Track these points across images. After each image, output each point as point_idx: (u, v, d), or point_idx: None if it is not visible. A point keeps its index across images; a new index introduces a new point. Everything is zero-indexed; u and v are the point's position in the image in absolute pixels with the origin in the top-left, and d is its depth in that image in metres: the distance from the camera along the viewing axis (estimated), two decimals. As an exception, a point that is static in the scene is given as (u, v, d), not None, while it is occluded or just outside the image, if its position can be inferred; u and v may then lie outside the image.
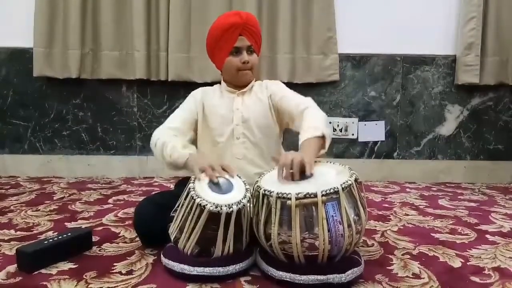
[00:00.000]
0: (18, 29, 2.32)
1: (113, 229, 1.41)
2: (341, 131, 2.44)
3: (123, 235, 1.34)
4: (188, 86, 2.02)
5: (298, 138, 1.17)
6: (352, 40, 2.39)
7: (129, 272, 1.03)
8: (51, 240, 1.09)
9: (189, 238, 1.00)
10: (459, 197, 2.04)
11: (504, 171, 2.48)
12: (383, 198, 1.98)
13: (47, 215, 1.57)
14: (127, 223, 1.47)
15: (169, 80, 2.31)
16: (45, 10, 2.24)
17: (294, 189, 0.93)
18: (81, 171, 2.41)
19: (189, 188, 1.01)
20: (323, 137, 1.14)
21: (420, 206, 1.81)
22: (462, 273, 1.06)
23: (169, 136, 1.25)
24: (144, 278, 1.00)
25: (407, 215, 1.66)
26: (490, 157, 2.48)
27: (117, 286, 0.95)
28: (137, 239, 1.26)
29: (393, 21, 2.39)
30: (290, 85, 1.57)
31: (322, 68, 2.37)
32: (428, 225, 1.51)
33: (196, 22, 2.28)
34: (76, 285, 0.96)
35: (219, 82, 1.41)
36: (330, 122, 2.38)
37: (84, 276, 1.00)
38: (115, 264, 1.08)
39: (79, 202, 1.80)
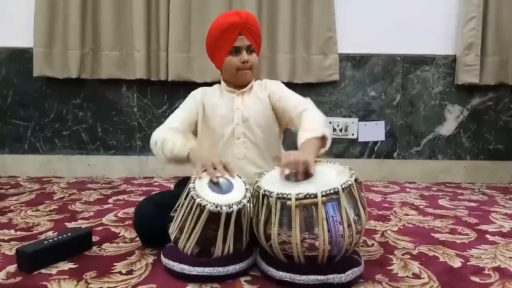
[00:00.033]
0: (18, 29, 2.32)
1: (113, 229, 1.41)
2: (341, 131, 2.44)
3: (123, 235, 1.34)
4: (188, 86, 2.02)
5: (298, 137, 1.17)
6: (352, 40, 2.39)
7: (129, 272, 1.03)
8: (51, 240, 1.10)
9: (189, 238, 1.00)
10: (459, 197, 2.04)
11: (504, 171, 2.48)
12: (383, 198, 1.98)
13: (47, 215, 1.57)
14: (127, 223, 1.47)
15: (169, 80, 2.31)
16: (45, 10, 2.24)
17: (294, 189, 0.93)
18: (81, 171, 2.42)
19: (189, 188, 1.01)
20: (323, 138, 1.14)
21: (420, 206, 1.81)
22: (462, 273, 1.06)
23: (169, 134, 1.25)
24: (144, 278, 1.00)
25: (407, 215, 1.66)
26: (490, 157, 2.48)
27: (117, 286, 0.95)
28: (137, 239, 1.26)
29: (393, 21, 2.39)
30: (290, 85, 1.58)
31: (322, 68, 2.37)
32: (428, 225, 1.51)
33: (196, 22, 2.28)
34: (76, 285, 0.96)
35: (219, 82, 1.41)
36: (330, 122, 2.38)
37: (84, 276, 1.00)
38: (115, 264, 1.08)
39: (79, 202, 1.80)
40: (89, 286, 0.95)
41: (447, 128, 2.47)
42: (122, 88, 2.41)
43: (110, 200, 1.85)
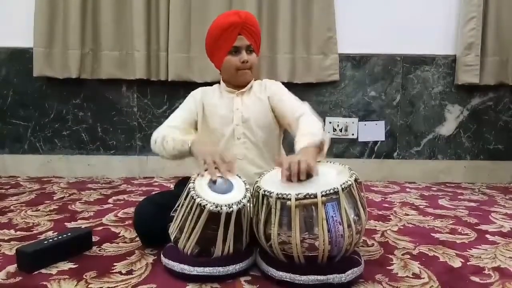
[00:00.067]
0: (18, 29, 2.32)
1: (113, 229, 1.41)
2: (341, 131, 2.44)
3: (123, 235, 1.34)
4: (188, 86, 2.02)
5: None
6: (352, 40, 2.39)
7: (129, 272, 1.03)
8: (51, 240, 1.10)
9: (189, 238, 1.00)
10: (459, 197, 2.04)
11: (504, 171, 2.48)
12: (383, 198, 1.98)
13: (47, 215, 1.57)
14: (127, 223, 1.47)
15: (169, 80, 2.31)
16: (45, 10, 2.24)
17: (293, 189, 0.93)
18: (81, 171, 2.42)
19: (189, 188, 1.01)
20: (320, 143, 1.13)
21: (420, 206, 1.81)
22: (462, 273, 1.06)
23: (168, 131, 1.26)
24: (144, 278, 1.00)
25: (407, 215, 1.66)
26: (490, 157, 2.48)
27: (117, 286, 0.96)
28: (137, 239, 1.26)
29: (393, 21, 2.39)
30: (290, 85, 1.58)
31: (322, 68, 2.37)
32: (428, 225, 1.51)
33: (196, 22, 2.28)
34: (76, 285, 0.96)
35: (219, 82, 1.41)
36: (330, 122, 2.38)
37: (84, 276, 1.00)
38: (115, 264, 1.08)
39: (79, 202, 1.80)
40: (89, 286, 0.95)
41: (447, 128, 2.47)
42: (122, 88, 2.41)
43: (110, 200, 1.85)
